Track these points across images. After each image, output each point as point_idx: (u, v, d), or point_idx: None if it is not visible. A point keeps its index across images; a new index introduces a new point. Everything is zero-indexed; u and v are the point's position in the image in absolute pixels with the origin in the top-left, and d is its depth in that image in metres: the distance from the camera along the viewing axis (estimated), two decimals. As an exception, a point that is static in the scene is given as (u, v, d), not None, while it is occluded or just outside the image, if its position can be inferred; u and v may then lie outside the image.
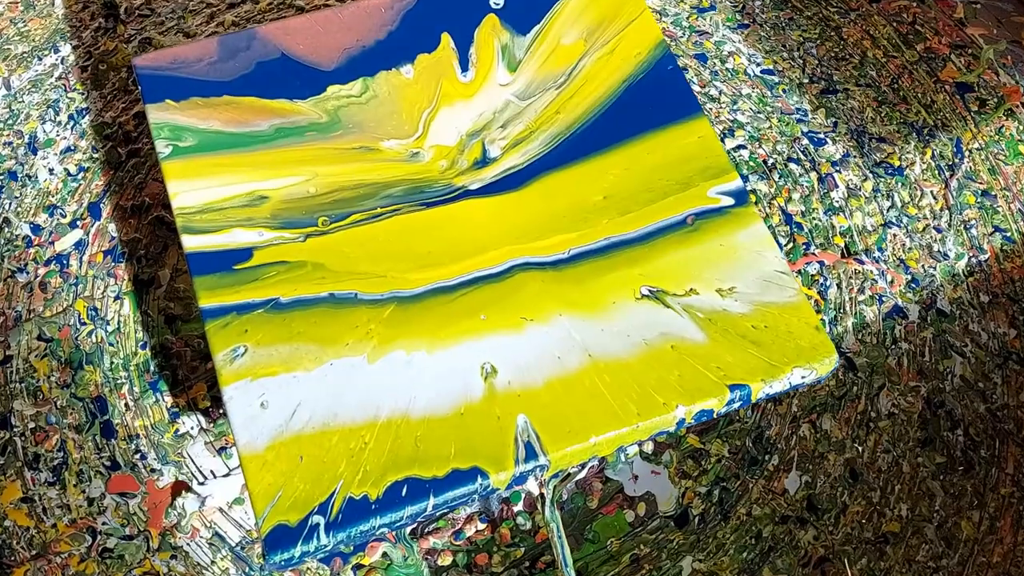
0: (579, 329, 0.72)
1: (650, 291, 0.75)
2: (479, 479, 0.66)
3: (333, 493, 0.65)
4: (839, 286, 0.93)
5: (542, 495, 0.81)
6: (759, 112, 1.12)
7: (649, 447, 0.87)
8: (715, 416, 0.70)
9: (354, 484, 0.65)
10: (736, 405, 0.69)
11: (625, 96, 0.81)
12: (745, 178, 0.97)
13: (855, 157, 1.02)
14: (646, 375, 0.70)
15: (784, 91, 1.14)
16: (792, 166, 1.07)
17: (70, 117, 1.03)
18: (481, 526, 0.83)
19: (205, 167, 0.77)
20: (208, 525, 0.87)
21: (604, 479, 0.92)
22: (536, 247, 0.76)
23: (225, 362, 0.69)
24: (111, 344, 0.95)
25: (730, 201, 0.79)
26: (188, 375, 0.88)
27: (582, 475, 0.90)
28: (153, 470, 0.83)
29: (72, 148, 0.95)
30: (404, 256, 0.75)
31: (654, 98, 0.81)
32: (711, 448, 0.94)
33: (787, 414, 0.95)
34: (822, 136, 1.09)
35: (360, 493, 0.65)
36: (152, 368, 0.87)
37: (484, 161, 0.80)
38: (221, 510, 0.83)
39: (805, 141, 1.09)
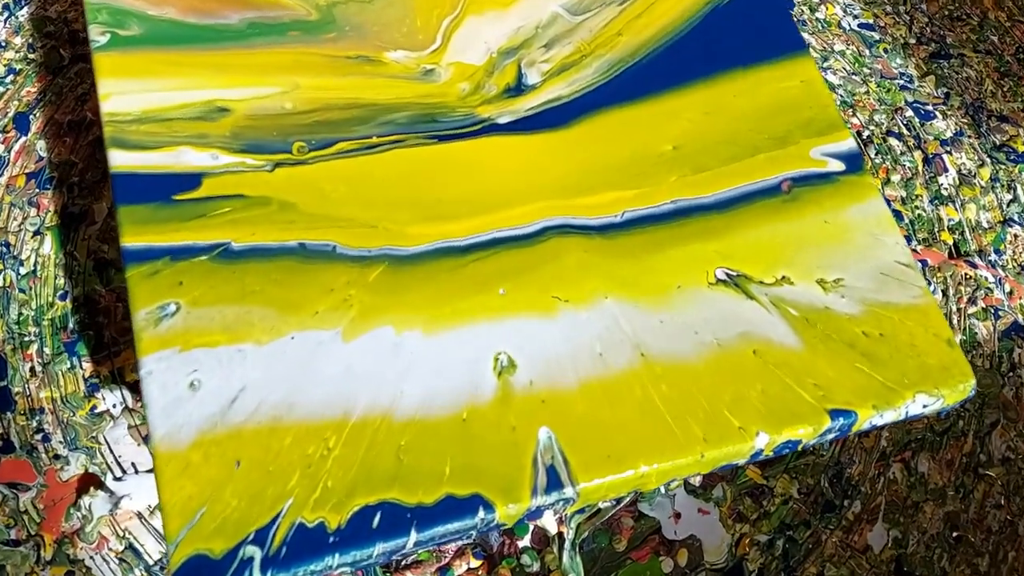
0: (630, 318, 0.61)
1: (728, 275, 0.64)
2: (481, 512, 0.55)
3: (278, 516, 0.54)
4: (944, 293, 0.86)
5: (560, 534, 0.64)
6: (854, 74, 1.02)
7: (697, 478, 0.76)
8: (799, 448, 0.58)
9: (308, 506, 0.53)
10: (832, 436, 0.58)
11: (709, 20, 0.70)
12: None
13: (970, 137, 0.95)
14: (718, 387, 0.59)
15: (886, 51, 1.04)
16: (892, 141, 0.98)
17: (4, 7, 0.86)
18: (475, 563, 0.72)
19: (151, 64, 0.65)
20: (121, 534, 0.74)
21: (636, 514, 0.80)
22: (579, 205, 0.66)
23: (148, 323, 0.58)
24: (22, 291, 0.81)
25: (839, 166, 0.68)
26: (116, 338, 0.76)
27: (614, 512, 0.73)
28: (57, 456, 0.72)
29: (3, 45, 0.89)
30: (404, 202, 0.64)
31: (746, 26, 0.70)
32: (776, 485, 0.82)
33: (874, 449, 0.83)
34: (930, 108, 1.00)
35: (315, 519, 0.53)
36: (71, 325, 0.75)
37: (519, 88, 0.69)
38: (140, 516, 0.71)
39: (909, 113, 1.00)
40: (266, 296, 0.58)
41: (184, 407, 0.55)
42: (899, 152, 0.96)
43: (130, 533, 0.70)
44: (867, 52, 1.02)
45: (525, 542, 0.69)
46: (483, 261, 0.62)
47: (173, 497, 0.52)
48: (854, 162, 0.66)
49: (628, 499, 0.76)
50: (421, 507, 0.54)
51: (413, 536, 0.53)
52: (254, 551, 0.51)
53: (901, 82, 1.00)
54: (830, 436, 0.59)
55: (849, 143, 0.70)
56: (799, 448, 0.59)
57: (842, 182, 0.66)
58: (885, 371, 0.60)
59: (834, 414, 0.58)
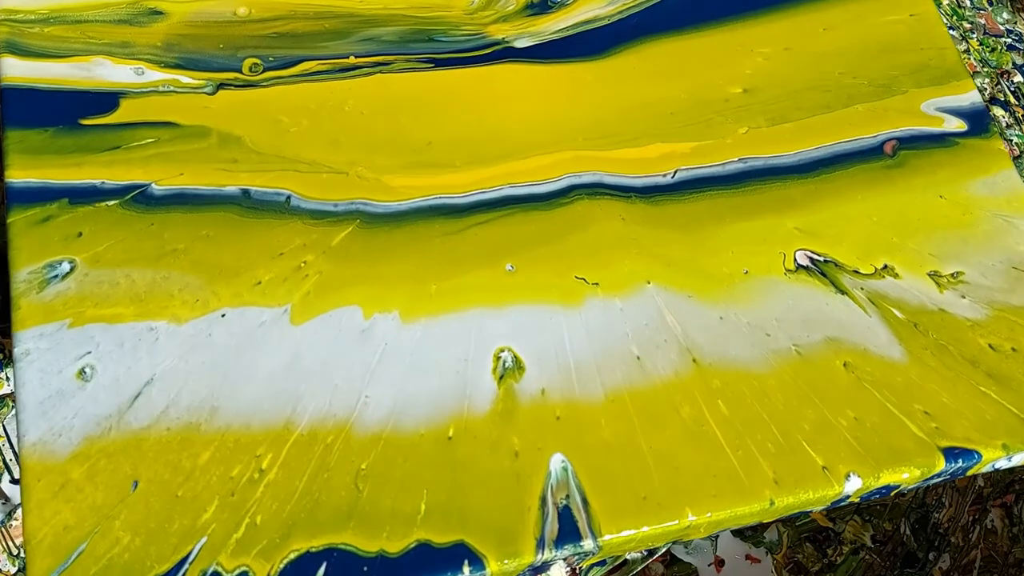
0: (679, 312, 0.51)
1: (812, 260, 0.54)
2: (465, 568, 0.45)
3: (184, 561, 0.44)
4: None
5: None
6: (951, 28, 0.93)
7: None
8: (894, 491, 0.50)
9: (227, 548, 0.44)
10: (944, 479, 0.50)
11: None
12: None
13: (1091, 109, 0.88)
14: (794, 411, 0.50)
15: (990, 2, 0.94)
16: (997, 111, 0.89)
17: None
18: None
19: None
20: (15, 552, 0.65)
21: (667, 559, 0.69)
22: (617, 158, 0.56)
23: (29, 286, 0.49)
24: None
25: (959, 125, 0.59)
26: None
27: (644, 565, 0.61)
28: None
29: None
30: (385, 144, 0.55)
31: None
32: (844, 530, 0.71)
33: (968, 490, 0.73)
34: (1044, 73, 0.90)
35: (236, 568, 0.44)
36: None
37: (544, 4, 0.59)
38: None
39: (1018, 78, 0.91)
40: (192, 258, 0.50)
41: (68, 403, 0.46)
42: (1005, 125, 0.87)
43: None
44: (967, 3, 0.92)
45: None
46: (487, 226, 0.53)
47: (43, 526, 0.44)
48: (979, 122, 0.59)
49: (664, 547, 0.62)
50: (383, 558, 0.44)
51: (369, 597, 0.43)
52: (150, 610, 0.42)
53: (1009, 40, 0.91)
54: (941, 479, 0.51)
55: (972, 97, 0.59)
56: (895, 491, 0.51)
57: (963, 146, 0.58)
58: (1019, 398, 0.50)
59: (950, 454, 0.49)
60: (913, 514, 0.70)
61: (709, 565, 0.68)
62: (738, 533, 0.69)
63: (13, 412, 0.68)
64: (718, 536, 0.68)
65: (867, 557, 0.69)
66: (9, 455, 0.67)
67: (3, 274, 0.61)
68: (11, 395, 0.69)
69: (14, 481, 0.66)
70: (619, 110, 0.56)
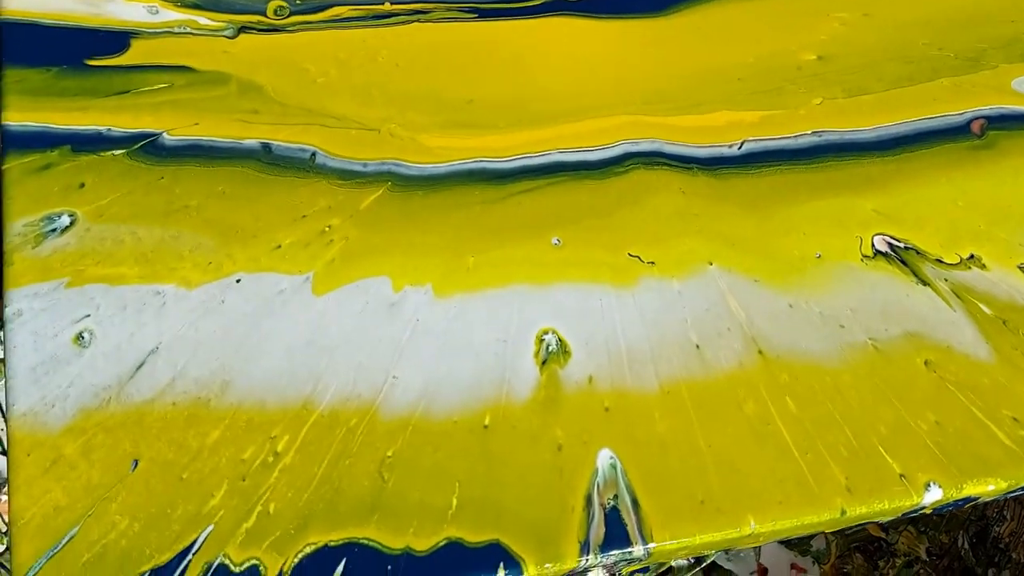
0: (744, 297, 0.48)
1: (892, 246, 0.50)
2: (501, 571, 0.41)
3: (188, 551, 0.40)
4: None
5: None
6: None
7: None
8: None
9: (236, 538, 0.40)
10: None
11: None
12: None
13: None
14: (870, 411, 0.46)
15: None
16: None
17: None
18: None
19: None
20: (3, 530, 0.65)
21: (707, 565, 0.65)
22: (678, 125, 0.52)
23: (25, 239, 0.46)
24: None
25: None
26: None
27: (691, 574, 0.57)
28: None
29: None
30: (421, 99, 0.51)
31: None
32: (898, 541, 0.68)
33: None
34: None
35: (245, 561, 0.40)
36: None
37: None
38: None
39: None
40: (205, 216, 0.47)
41: (64, 370, 0.43)
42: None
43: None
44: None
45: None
46: (532, 194, 0.50)
47: (31, 506, 0.41)
48: (1077, 101, 0.55)
49: (713, 555, 0.59)
50: (409, 556, 0.41)
51: (392, 600, 0.40)
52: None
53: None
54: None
55: (1071, 74, 0.53)
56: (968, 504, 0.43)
57: (1059, 128, 0.54)
58: (1119, 407, 0.47)
59: (1041, 466, 0.45)
60: (972, 527, 0.68)
61: (752, 574, 0.65)
62: (783, 540, 0.65)
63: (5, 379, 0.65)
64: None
65: (921, 571, 0.66)
66: (0, 423, 0.63)
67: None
68: (2, 359, 0.65)
69: (4, 452, 0.63)
70: (681, 73, 0.53)
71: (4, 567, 0.57)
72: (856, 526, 0.67)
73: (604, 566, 0.45)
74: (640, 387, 0.45)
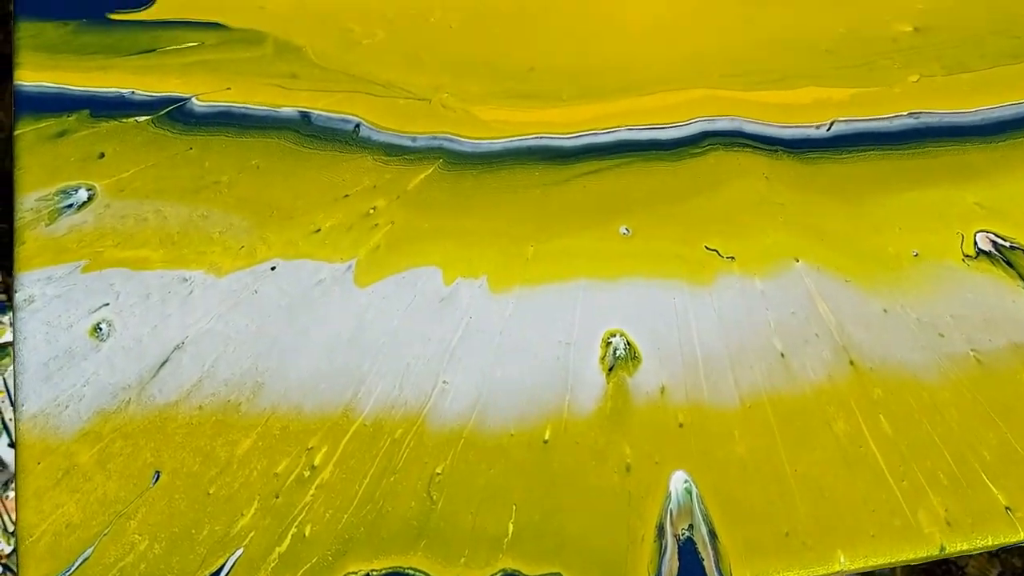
0: (834, 299, 0.43)
1: (996, 245, 0.45)
2: None
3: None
4: None
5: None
6: None
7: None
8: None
9: (268, 564, 0.36)
10: None
11: None
12: None
13: None
14: (971, 431, 0.41)
15: None
16: None
17: None
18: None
19: None
20: (11, 530, 0.58)
21: None
22: (760, 101, 0.46)
23: (38, 216, 0.41)
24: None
25: None
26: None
27: None
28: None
29: None
30: (477, 66, 0.46)
31: None
32: (968, 566, 0.65)
33: None
34: None
35: None
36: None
37: None
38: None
39: None
40: (237, 193, 0.43)
41: (79, 366, 0.39)
42: None
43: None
44: None
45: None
46: (598, 177, 0.44)
47: (40, 522, 0.36)
48: None
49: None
50: None
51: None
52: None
53: None
54: None
55: None
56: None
57: None
58: None
59: None
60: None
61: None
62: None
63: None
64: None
65: (990, 594, 0.60)
66: (9, 414, 0.59)
67: (8, 200, 0.53)
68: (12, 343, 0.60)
69: (13, 445, 0.58)
70: (763, 41, 0.48)
71: (11, 570, 0.53)
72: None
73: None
74: (718, 400, 0.40)
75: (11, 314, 0.61)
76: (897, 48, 0.49)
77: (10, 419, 0.57)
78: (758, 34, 0.48)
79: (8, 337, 0.59)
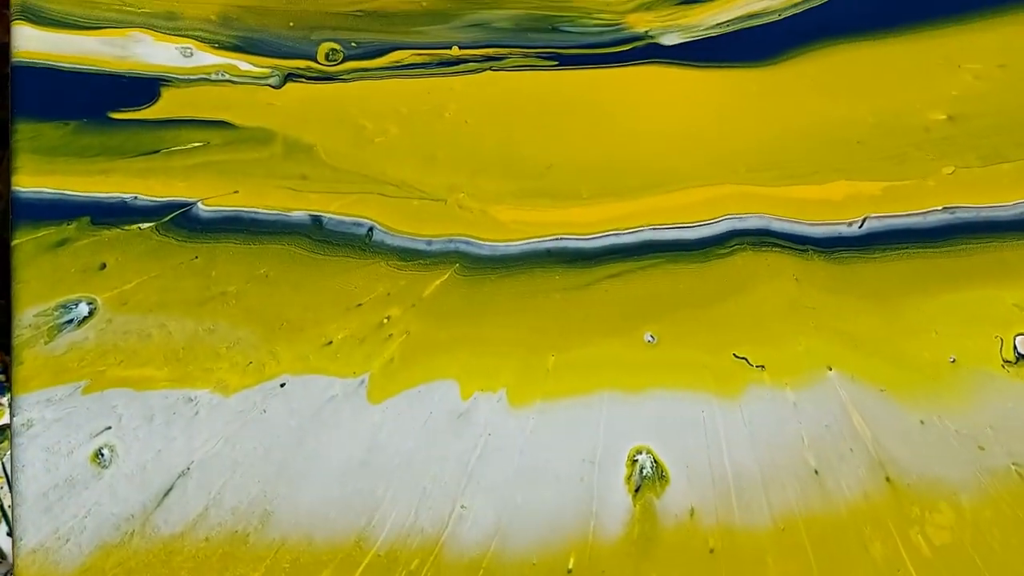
0: (870, 411, 0.40)
1: None
2: None
3: None
4: None
5: None
6: None
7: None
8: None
9: None
10: None
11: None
12: None
13: None
14: (1017, 554, 0.39)
15: None
16: None
17: None
18: None
19: None
20: None
21: None
22: (789, 197, 0.44)
23: (37, 333, 0.39)
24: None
25: None
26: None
27: None
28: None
29: None
30: (494, 164, 0.44)
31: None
32: None
33: None
34: None
35: None
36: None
37: None
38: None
39: None
40: (245, 304, 0.41)
41: (80, 496, 0.37)
42: None
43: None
44: None
45: None
46: (621, 280, 0.43)
47: None
48: None
49: None
50: None
51: None
52: None
53: None
54: None
55: None
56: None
57: None
58: None
59: None
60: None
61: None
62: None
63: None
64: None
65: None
66: (8, 500, 0.56)
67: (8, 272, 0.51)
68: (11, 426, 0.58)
69: (10, 534, 0.56)
70: (792, 134, 0.45)
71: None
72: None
73: None
74: (751, 523, 0.38)
75: (9, 395, 0.59)
76: (930, 138, 0.46)
77: (9, 506, 0.55)
78: (785, 125, 0.46)
79: (7, 420, 0.57)
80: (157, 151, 0.43)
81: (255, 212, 0.42)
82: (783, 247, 0.44)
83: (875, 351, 0.42)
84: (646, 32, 0.47)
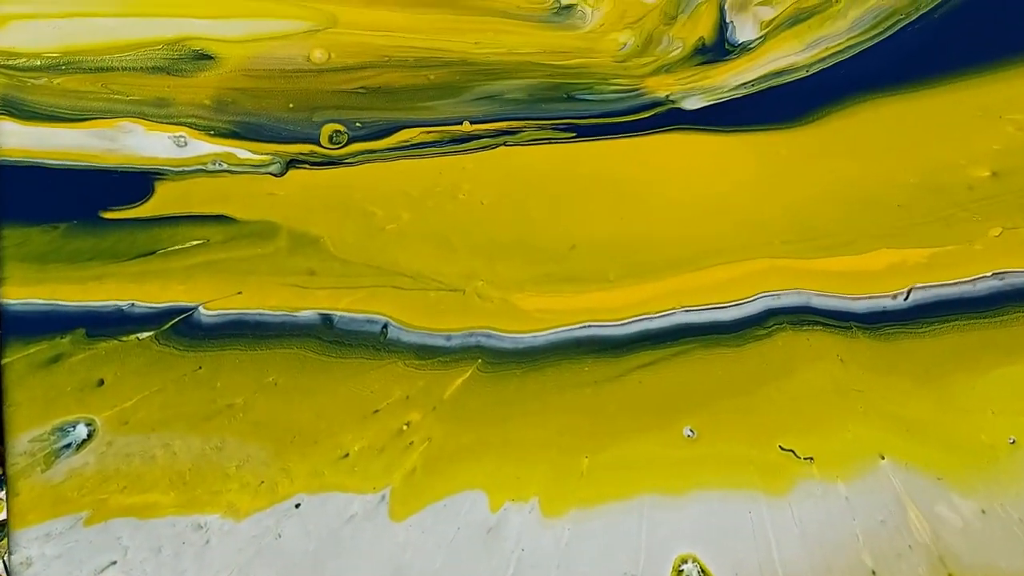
0: (926, 502, 0.38)
1: None
2: None
3: None
4: None
5: None
6: None
7: None
8: None
9: None
10: None
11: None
12: None
13: None
14: None
15: None
16: None
17: None
18: None
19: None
20: None
21: None
22: (827, 271, 0.41)
23: (32, 460, 0.37)
24: None
25: None
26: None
27: None
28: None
29: None
30: (513, 246, 0.42)
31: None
32: None
33: None
34: None
35: None
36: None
37: (721, 48, 0.45)
38: None
39: None
40: (254, 417, 0.38)
41: None
42: None
43: None
44: None
45: None
46: (654, 369, 0.40)
47: None
48: None
49: None
50: None
51: None
52: None
53: None
54: None
55: None
56: None
57: None
58: None
59: None
60: None
61: None
62: None
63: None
64: None
65: None
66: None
67: None
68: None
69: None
70: (826, 199, 0.43)
71: None
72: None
73: None
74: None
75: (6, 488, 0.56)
76: (974, 197, 0.44)
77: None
78: (819, 190, 0.43)
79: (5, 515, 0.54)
80: (153, 252, 0.40)
81: (260, 314, 0.40)
82: (825, 325, 0.41)
83: (928, 435, 0.39)
84: (667, 96, 0.44)
